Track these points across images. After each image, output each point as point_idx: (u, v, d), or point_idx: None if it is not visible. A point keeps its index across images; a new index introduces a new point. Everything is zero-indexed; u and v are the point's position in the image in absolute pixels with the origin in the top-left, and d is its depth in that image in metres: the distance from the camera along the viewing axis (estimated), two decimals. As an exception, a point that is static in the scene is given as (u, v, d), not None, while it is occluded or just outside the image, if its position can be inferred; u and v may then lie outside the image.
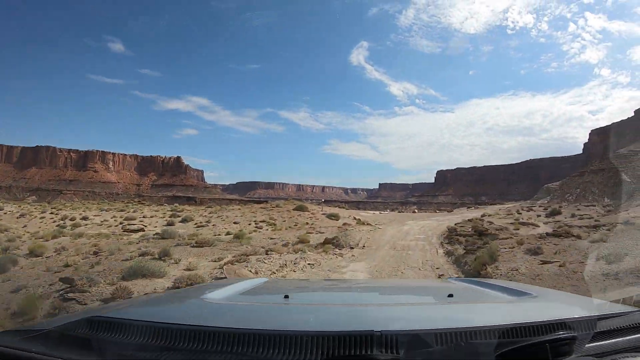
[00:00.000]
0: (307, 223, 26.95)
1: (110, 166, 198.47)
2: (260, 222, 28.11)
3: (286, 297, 1.97)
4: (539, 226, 24.59)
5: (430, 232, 21.28)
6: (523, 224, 25.31)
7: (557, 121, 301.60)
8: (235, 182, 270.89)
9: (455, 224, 23.47)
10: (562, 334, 1.33)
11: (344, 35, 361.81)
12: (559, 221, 27.88)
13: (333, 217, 29.90)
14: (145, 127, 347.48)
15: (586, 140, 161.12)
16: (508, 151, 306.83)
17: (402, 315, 1.69)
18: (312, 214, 31.36)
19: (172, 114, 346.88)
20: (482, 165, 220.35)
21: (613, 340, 1.42)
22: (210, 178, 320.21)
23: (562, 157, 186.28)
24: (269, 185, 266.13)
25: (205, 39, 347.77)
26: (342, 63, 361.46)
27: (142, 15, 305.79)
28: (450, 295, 2.01)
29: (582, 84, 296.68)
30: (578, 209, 42.93)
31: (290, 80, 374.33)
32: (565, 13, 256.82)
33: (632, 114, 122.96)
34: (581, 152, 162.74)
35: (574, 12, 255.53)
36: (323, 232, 21.00)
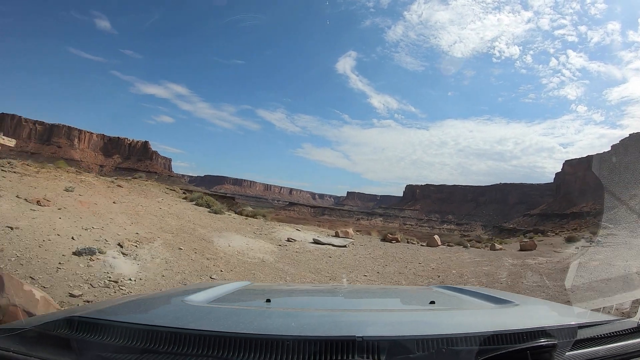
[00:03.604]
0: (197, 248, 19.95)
1: (75, 143, 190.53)
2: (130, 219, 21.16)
3: (268, 301, 2.03)
4: None
5: None
6: None
7: (528, 150, 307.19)
8: (203, 175, 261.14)
9: None
10: (543, 341, 1.36)
11: (334, 43, 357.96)
12: None
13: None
14: (119, 108, 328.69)
15: (558, 170, 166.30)
16: (477, 173, 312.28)
17: (384, 320, 1.71)
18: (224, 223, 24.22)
19: (148, 99, 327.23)
20: (452, 184, 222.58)
21: (593, 349, 1.46)
22: (179, 168, 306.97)
23: (531, 184, 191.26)
24: (237, 182, 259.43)
25: (193, 28, 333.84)
26: (327, 69, 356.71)
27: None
28: (433, 302, 2.05)
29: (557, 117, 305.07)
30: None
31: (272, 79, 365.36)
32: (549, 48, 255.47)
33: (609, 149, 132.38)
34: (552, 181, 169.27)
35: (557, 48, 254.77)
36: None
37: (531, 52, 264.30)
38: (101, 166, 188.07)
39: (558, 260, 15.83)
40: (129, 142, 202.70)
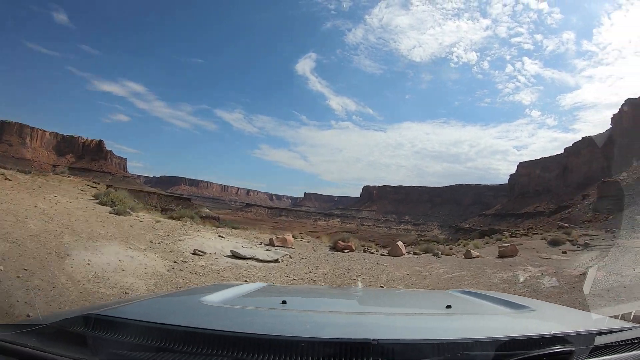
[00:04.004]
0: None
1: (27, 142, 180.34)
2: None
3: (284, 302, 2.00)
4: None
5: None
6: None
7: (483, 152, 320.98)
8: (159, 176, 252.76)
9: None
10: (559, 348, 1.34)
11: (295, 44, 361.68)
12: None
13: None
14: (74, 106, 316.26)
15: (512, 172, 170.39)
16: (432, 175, 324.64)
17: (399, 324, 1.71)
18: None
19: (105, 97, 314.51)
20: (408, 185, 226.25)
21: (611, 356, 1.42)
22: (134, 168, 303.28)
23: (486, 185, 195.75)
24: (193, 183, 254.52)
25: (152, 24, 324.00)
26: (287, 70, 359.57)
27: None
28: (449, 307, 2.02)
29: (511, 121, 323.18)
30: None
31: (231, 79, 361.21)
32: (505, 55, 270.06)
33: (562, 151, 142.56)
34: (506, 182, 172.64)
35: (513, 55, 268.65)
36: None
37: (488, 58, 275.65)
38: (54, 166, 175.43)
39: (554, 271, 12.36)
40: (83, 140, 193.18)
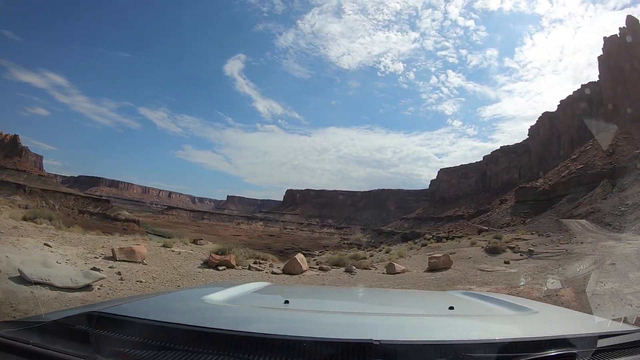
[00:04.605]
0: None
1: None
2: None
3: (286, 302, 1.96)
4: None
5: None
6: None
7: (406, 158, 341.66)
8: (77, 175, 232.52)
9: None
10: (562, 350, 1.33)
11: (225, 44, 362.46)
12: None
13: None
14: None
15: (434, 177, 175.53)
16: (356, 179, 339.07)
17: (401, 325, 1.69)
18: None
19: (23, 87, 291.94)
20: (332, 189, 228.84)
21: (613, 359, 1.41)
22: (52, 167, 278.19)
23: (408, 190, 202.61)
24: (113, 183, 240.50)
25: (79, 13, 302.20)
26: (215, 71, 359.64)
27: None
28: (452, 308, 1.98)
29: (434, 130, 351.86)
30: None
31: (157, 76, 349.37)
32: (430, 67, 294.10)
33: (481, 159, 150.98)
34: (427, 187, 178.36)
35: (438, 67, 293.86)
36: None
37: (414, 69, 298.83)
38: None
39: (507, 291, 9.11)
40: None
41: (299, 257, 11.56)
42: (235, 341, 1.24)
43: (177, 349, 1.24)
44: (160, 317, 1.56)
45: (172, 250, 13.21)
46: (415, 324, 1.75)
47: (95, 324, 1.40)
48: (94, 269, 8.41)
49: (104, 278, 7.82)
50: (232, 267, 10.78)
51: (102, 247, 11.58)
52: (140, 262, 10.18)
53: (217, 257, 10.91)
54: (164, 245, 13.88)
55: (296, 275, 10.80)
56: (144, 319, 1.44)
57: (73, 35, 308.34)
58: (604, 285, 9.18)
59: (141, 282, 8.48)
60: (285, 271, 11.03)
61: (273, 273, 10.92)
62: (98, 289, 7.37)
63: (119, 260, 9.95)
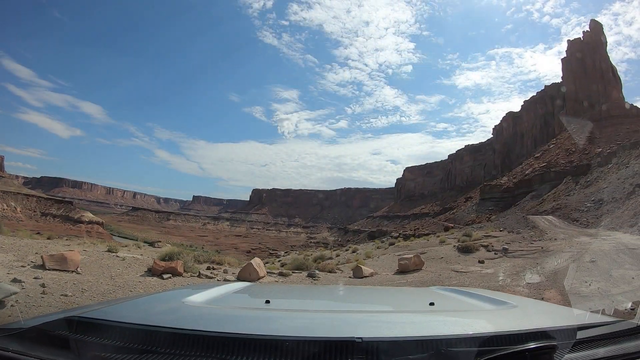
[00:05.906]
0: None
1: None
2: None
3: (267, 302, 1.97)
4: None
5: None
6: None
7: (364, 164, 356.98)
8: (39, 177, 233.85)
9: None
10: (542, 343, 1.34)
11: None
12: None
13: None
14: None
15: (399, 176, 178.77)
16: (322, 179, 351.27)
17: (383, 321, 1.69)
18: None
19: None
20: (298, 188, 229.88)
21: (593, 350, 1.43)
22: (13, 168, 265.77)
23: (374, 189, 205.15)
24: (77, 184, 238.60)
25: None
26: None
27: None
28: (432, 304, 2.00)
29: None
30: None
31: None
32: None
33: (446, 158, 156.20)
34: (393, 186, 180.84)
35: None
36: None
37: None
38: None
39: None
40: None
41: (255, 261, 10.18)
42: (216, 342, 1.23)
43: (159, 352, 1.22)
44: (141, 319, 1.51)
45: (117, 256, 11.62)
46: (396, 320, 1.76)
47: (75, 329, 1.36)
48: (14, 280, 7.44)
49: (16, 293, 6.31)
50: (179, 274, 9.34)
51: (36, 253, 10.29)
52: (73, 271, 8.85)
53: (162, 263, 9.43)
54: (108, 250, 12.44)
55: (252, 283, 9.46)
56: (124, 322, 1.41)
57: (42, 25, 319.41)
58: (590, 285, 8.71)
59: (67, 295, 7.19)
60: (240, 278, 9.66)
61: (226, 280, 9.55)
62: (12, 306, 5.91)
63: (49, 269, 8.64)
